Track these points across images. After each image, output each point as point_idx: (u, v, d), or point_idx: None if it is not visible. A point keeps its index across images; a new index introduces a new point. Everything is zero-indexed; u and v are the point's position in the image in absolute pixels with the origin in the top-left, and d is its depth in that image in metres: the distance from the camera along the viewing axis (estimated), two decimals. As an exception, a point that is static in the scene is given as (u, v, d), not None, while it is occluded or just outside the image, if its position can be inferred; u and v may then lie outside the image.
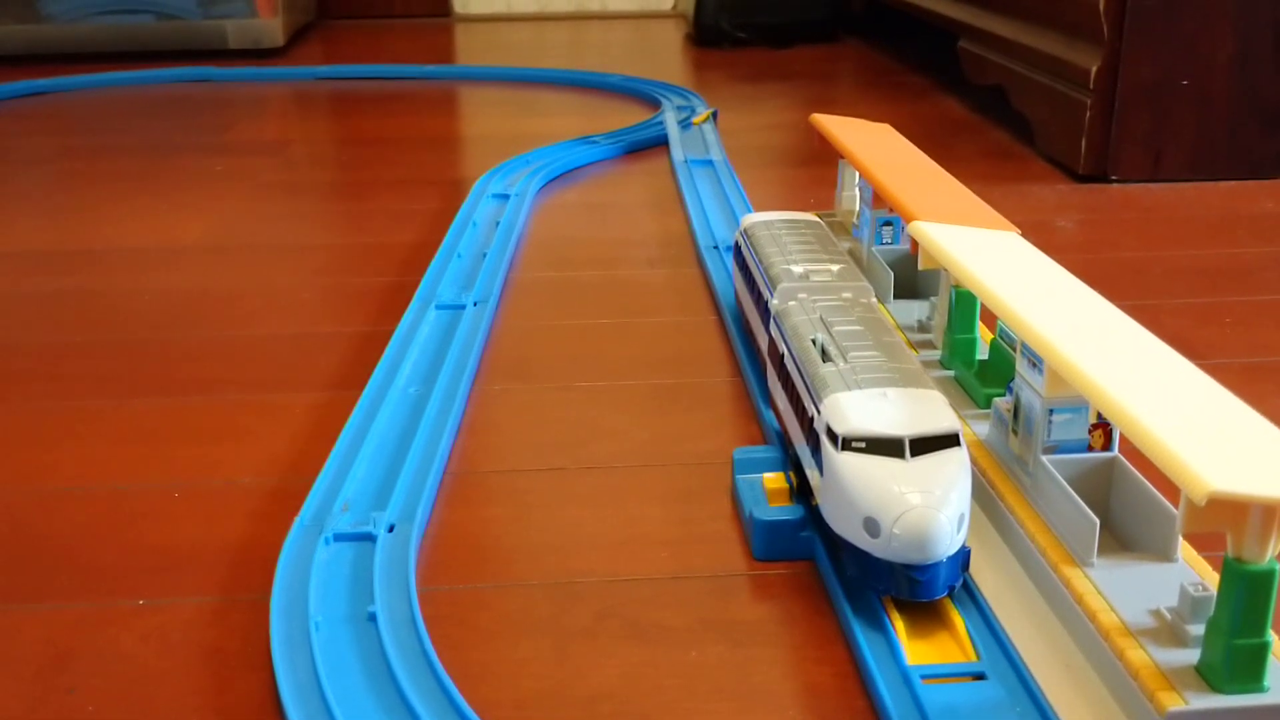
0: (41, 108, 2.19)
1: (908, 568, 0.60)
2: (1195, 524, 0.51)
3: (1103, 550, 0.61)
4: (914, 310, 0.97)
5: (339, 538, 0.70)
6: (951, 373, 0.85)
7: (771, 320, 0.82)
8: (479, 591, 0.68)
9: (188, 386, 0.96)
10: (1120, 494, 0.65)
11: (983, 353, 0.85)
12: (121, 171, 1.68)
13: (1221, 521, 0.50)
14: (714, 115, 1.86)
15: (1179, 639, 0.55)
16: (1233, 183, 1.50)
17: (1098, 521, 0.61)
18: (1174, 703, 0.51)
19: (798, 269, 0.84)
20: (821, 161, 1.62)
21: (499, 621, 0.65)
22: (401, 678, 0.58)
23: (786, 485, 0.72)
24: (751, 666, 0.61)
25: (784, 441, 0.77)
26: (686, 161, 1.59)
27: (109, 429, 0.89)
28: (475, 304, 1.08)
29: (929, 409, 0.64)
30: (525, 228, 1.36)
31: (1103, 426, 0.66)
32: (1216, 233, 1.32)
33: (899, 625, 0.61)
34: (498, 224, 1.33)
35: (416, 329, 1.01)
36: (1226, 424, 0.55)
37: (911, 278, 1.00)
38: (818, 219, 0.99)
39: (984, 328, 0.87)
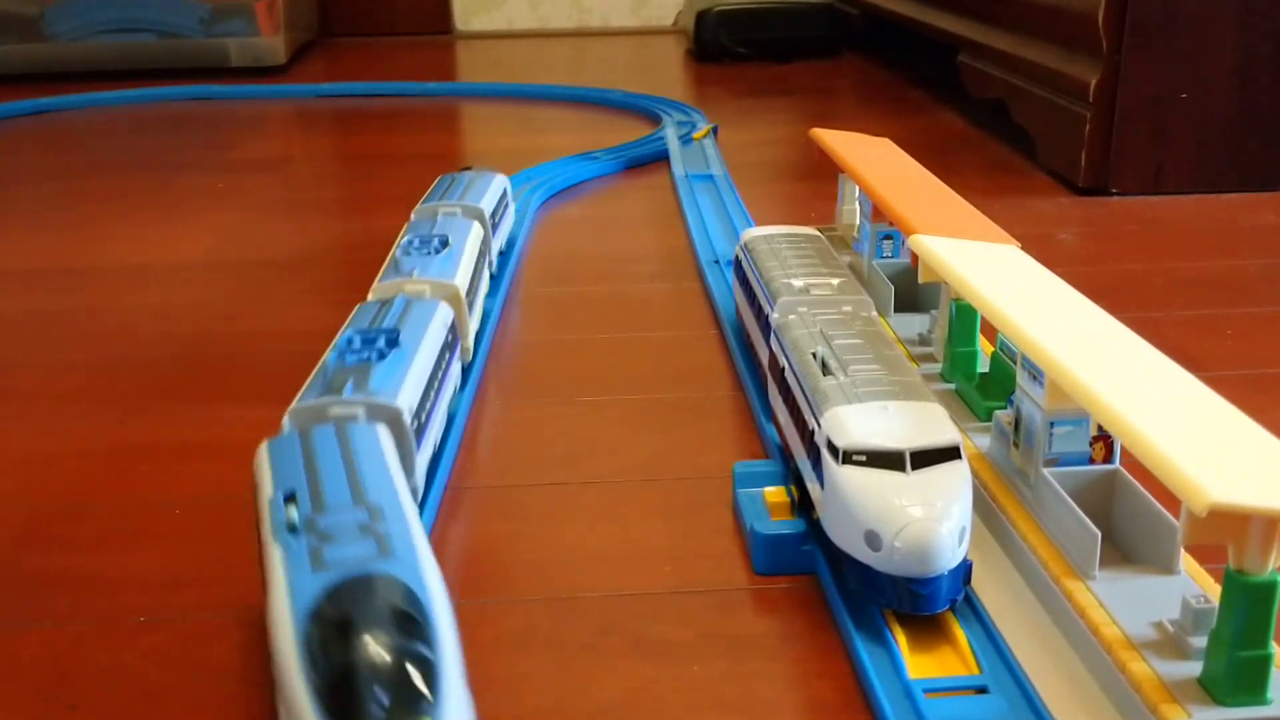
0: (44, 126, 2.20)
1: (909, 581, 0.60)
2: (1196, 536, 0.51)
3: (1104, 563, 0.61)
4: (914, 324, 0.97)
5: (340, 553, 0.70)
6: (952, 386, 0.85)
7: (772, 334, 0.82)
8: (480, 607, 0.68)
9: (190, 402, 0.96)
10: (1122, 506, 0.65)
11: (983, 366, 0.85)
12: (124, 189, 1.68)
13: (1222, 533, 0.50)
14: (714, 130, 1.87)
15: (1181, 651, 0.55)
16: (1233, 195, 1.50)
17: (1099, 534, 0.60)
18: (1176, 715, 0.51)
19: (798, 283, 0.84)
20: (822, 176, 1.62)
21: (500, 637, 0.65)
22: (403, 693, 0.58)
23: (788, 499, 0.72)
24: (754, 681, 0.61)
25: (785, 455, 0.77)
26: (687, 176, 1.59)
27: (110, 446, 0.89)
28: (476, 319, 1.08)
29: (930, 422, 0.64)
30: (526, 243, 1.36)
31: (1104, 439, 0.66)
32: (1217, 245, 1.32)
33: (901, 639, 0.61)
34: (499, 240, 1.33)
35: (418, 345, 1.02)
36: (1227, 436, 0.55)
37: (912, 291, 1.00)
38: (818, 233, 0.99)
39: (985, 341, 0.87)
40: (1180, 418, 0.56)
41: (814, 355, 0.73)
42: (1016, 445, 0.70)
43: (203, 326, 1.13)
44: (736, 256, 1.01)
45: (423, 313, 0.82)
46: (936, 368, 0.89)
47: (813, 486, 0.67)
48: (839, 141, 1.16)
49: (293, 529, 0.51)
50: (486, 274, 1.08)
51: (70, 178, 1.77)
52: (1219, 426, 0.56)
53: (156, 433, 0.91)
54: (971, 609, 0.63)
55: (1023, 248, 0.85)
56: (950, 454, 0.63)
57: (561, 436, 0.88)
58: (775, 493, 0.73)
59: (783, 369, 0.78)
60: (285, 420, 0.68)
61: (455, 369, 0.86)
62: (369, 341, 0.76)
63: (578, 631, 0.65)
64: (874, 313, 0.81)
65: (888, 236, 1.05)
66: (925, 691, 0.57)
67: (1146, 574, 0.61)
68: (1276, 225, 1.39)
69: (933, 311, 0.93)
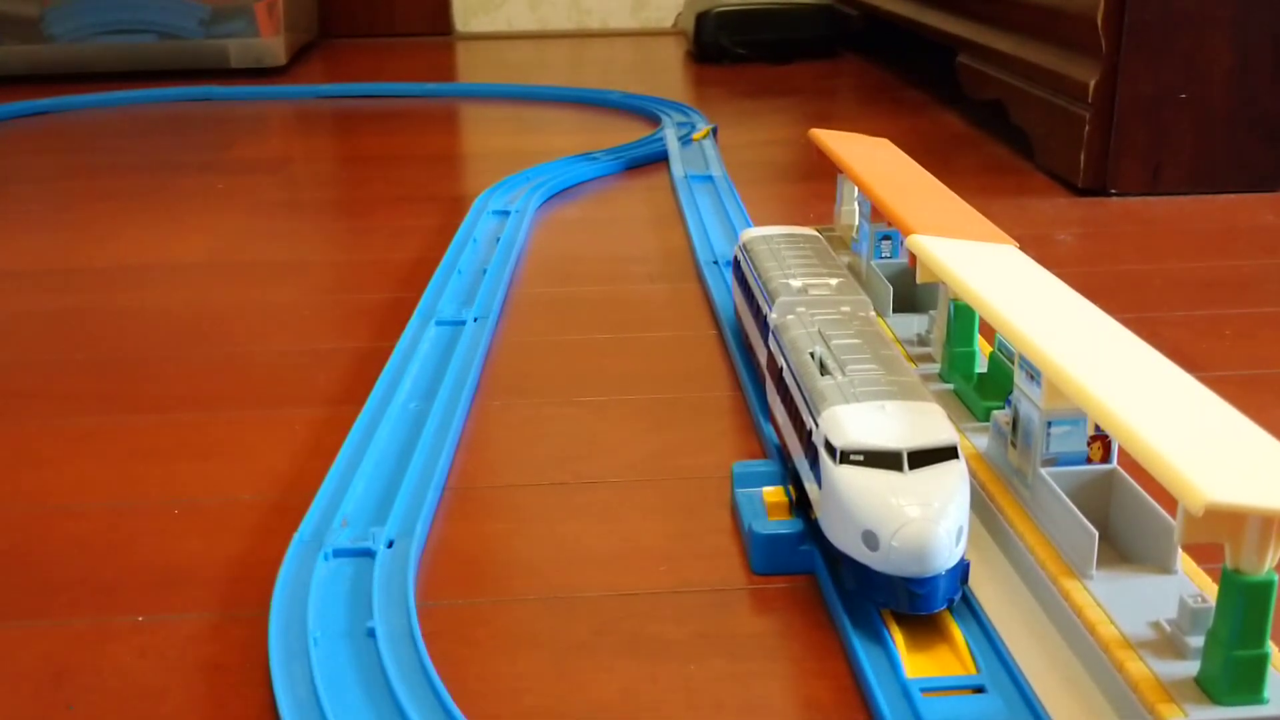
0: (45, 127, 2.20)
1: (906, 581, 0.60)
2: (1193, 535, 0.51)
3: (1102, 562, 0.61)
4: (913, 324, 0.97)
5: (338, 553, 0.70)
6: (950, 386, 0.85)
7: (770, 334, 0.82)
8: (478, 607, 0.68)
9: (188, 403, 0.96)
10: (1119, 506, 0.65)
11: (981, 366, 0.85)
12: (123, 190, 1.68)
13: (1219, 532, 0.50)
14: (714, 131, 1.87)
15: (1178, 651, 0.55)
16: (1232, 195, 1.50)
17: (1096, 534, 0.60)
18: (1173, 715, 0.51)
19: (796, 283, 0.84)
20: (820, 176, 1.62)
21: (498, 637, 0.65)
22: (400, 693, 0.58)
23: (785, 499, 0.72)
24: (751, 680, 0.61)
25: (783, 455, 0.77)
26: (686, 177, 1.59)
27: (109, 446, 0.89)
28: (475, 320, 1.08)
29: (927, 422, 0.64)
30: (525, 244, 1.36)
31: (1101, 439, 0.66)
32: (1216, 245, 1.32)
33: (898, 638, 0.61)
34: (498, 240, 1.33)
35: (417, 345, 1.02)
36: (1224, 435, 0.55)
37: (910, 291, 1.00)
38: (816, 233, 0.99)
39: (983, 341, 0.87)
40: (1177, 417, 0.56)
41: (812, 355, 0.73)
42: (1014, 445, 0.70)
43: (201, 326, 1.13)
44: (735, 257, 1.01)
45: None
46: (935, 368, 0.89)
47: (810, 486, 0.67)
48: (838, 142, 1.16)
49: None
50: None
51: (70, 178, 1.78)
52: (1216, 426, 0.56)
53: (155, 433, 0.91)
54: (969, 608, 0.63)
55: (1021, 248, 0.85)
56: (948, 454, 0.63)
57: (560, 436, 0.88)
58: (773, 492, 0.73)
59: (781, 369, 0.78)
60: None
61: None
62: None
63: (575, 631, 0.65)
64: (872, 313, 0.81)
65: (886, 237, 1.05)
66: (922, 691, 0.57)
67: (1144, 573, 0.61)
68: (1275, 225, 1.39)
69: (931, 312, 0.93)
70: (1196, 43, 1.46)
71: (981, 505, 0.71)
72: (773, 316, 0.82)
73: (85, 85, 2.53)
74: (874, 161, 1.09)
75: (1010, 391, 0.72)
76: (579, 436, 0.88)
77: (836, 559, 0.64)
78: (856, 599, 0.64)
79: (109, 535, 0.76)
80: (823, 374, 0.70)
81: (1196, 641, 0.54)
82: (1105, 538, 0.65)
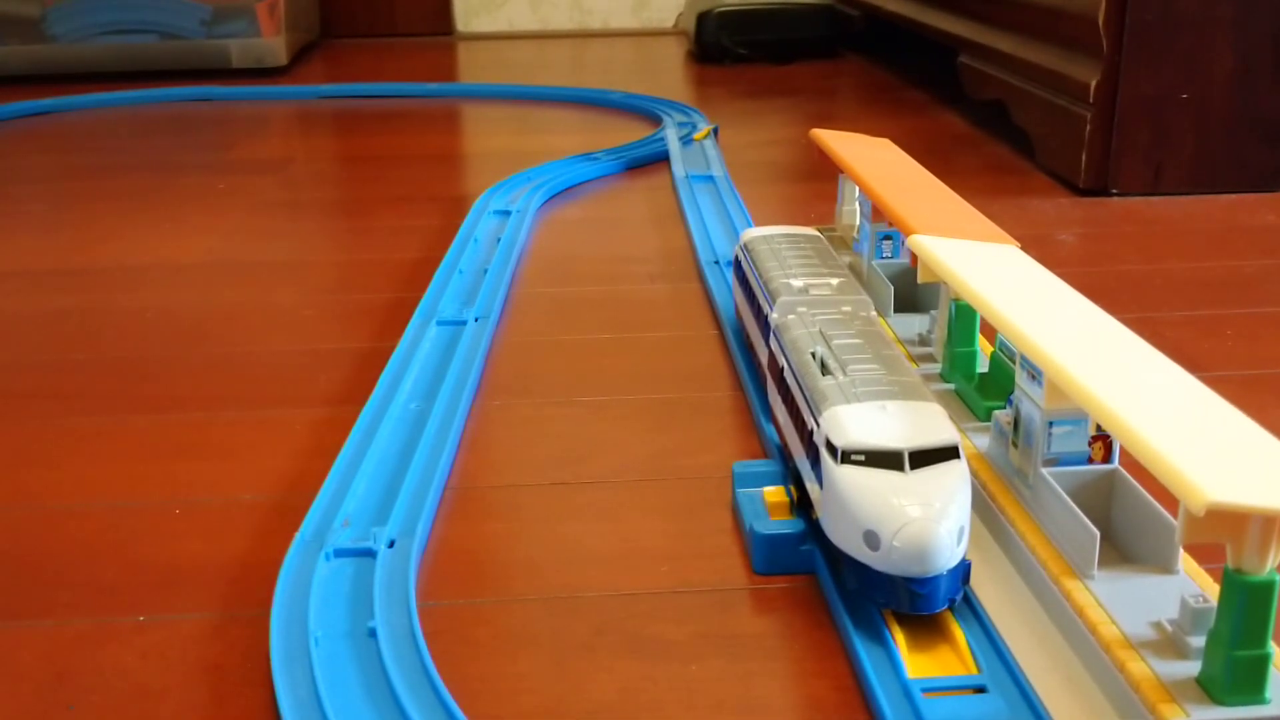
0: (46, 127, 2.20)
1: (908, 580, 0.60)
2: (1195, 535, 0.51)
3: (1103, 562, 0.61)
4: (914, 324, 0.97)
5: (339, 553, 0.70)
6: (952, 386, 0.85)
7: (771, 334, 0.82)
8: (478, 606, 0.68)
9: (189, 404, 0.96)
10: (1121, 506, 0.65)
11: (983, 366, 0.85)
12: (124, 190, 1.68)
13: (1221, 532, 0.50)
14: (715, 131, 1.87)
15: (1180, 651, 0.55)
16: (1233, 196, 1.50)
17: (1098, 534, 0.60)
18: (1175, 715, 0.51)
19: (797, 283, 0.84)
20: (822, 176, 1.62)
21: (498, 636, 0.65)
22: (401, 693, 0.58)
23: (787, 499, 0.72)
24: (752, 680, 0.61)
25: (784, 455, 0.77)
26: (688, 177, 1.59)
27: (110, 446, 0.89)
28: (476, 320, 1.08)
29: (928, 422, 0.64)
30: (526, 244, 1.36)
31: (1103, 439, 0.66)
32: (1217, 245, 1.32)
33: (899, 638, 0.61)
34: (499, 240, 1.33)
35: (418, 345, 1.02)
36: (1226, 435, 0.55)
37: (911, 291, 1.00)
38: (818, 233, 0.99)
39: (984, 341, 0.87)
40: (1179, 417, 0.56)
41: (813, 355, 0.73)
42: (1015, 445, 0.70)
43: (202, 326, 1.13)
44: (736, 257, 1.00)
45: None
46: (936, 368, 0.89)
47: (811, 486, 0.67)
48: (839, 142, 1.16)
49: None
50: None
51: (72, 179, 1.78)
52: (1217, 426, 0.56)
53: (156, 433, 0.91)
54: (970, 608, 0.63)
55: (1022, 248, 0.84)
56: (949, 454, 0.63)
57: (561, 436, 0.88)
58: (774, 492, 0.73)
59: (782, 369, 0.78)
60: None
61: None
62: None
63: (576, 631, 0.65)
64: (873, 313, 0.81)
65: (887, 237, 1.05)
66: (923, 691, 0.57)
67: (1145, 573, 0.61)
68: (1276, 225, 1.39)
69: (932, 312, 0.93)
70: (1197, 43, 1.45)
71: (983, 505, 0.70)
72: (774, 316, 0.82)
73: (86, 85, 2.53)
74: (875, 161, 1.09)
75: (1011, 391, 0.72)
76: (580, 436, 0.88)
77: (838, 559, 0.64)
78: (858, 599, 0.64)
79: (110, 535, 0.76)
80: (824, 374, 0.70)
81: (1198, 641, 0.54)
82: (1107, 538, 0.65)
